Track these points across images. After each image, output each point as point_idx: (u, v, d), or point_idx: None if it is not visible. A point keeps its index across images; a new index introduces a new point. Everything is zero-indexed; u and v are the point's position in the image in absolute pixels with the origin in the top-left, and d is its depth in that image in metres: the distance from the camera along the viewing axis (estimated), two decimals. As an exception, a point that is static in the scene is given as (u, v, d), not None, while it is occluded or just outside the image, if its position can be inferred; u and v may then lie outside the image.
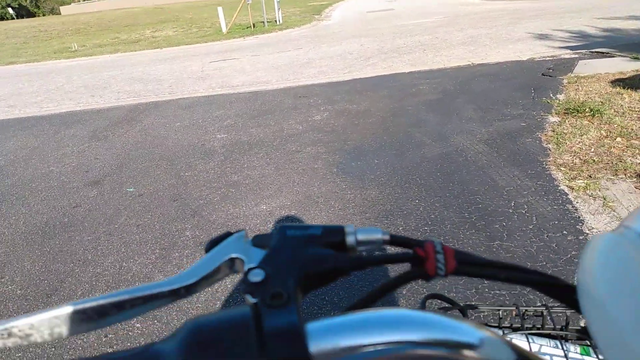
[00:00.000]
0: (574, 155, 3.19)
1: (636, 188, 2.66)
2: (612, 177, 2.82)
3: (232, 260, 0.36)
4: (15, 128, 5.86)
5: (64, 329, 0.32)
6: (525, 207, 2.64)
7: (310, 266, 0.34)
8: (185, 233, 2.81)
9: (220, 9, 14.01)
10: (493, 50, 7.44)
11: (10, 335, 0.31)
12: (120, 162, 4.17)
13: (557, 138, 3.49)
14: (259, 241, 0.38)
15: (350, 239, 0.38)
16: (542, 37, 8.15)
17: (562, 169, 3.01)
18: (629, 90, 4.44)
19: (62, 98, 7.39)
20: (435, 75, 6.29)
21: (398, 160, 3.58)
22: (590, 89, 4.70)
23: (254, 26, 14.13)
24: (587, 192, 2.69)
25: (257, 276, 0.32)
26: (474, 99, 4.95)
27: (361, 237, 0.39)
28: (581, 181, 2.81)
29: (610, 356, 0.27)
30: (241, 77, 7.51)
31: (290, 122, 4.94)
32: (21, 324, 0.31)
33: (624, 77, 5.03)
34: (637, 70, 5.19)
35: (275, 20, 14.90)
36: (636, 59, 5.80)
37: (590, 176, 2.86)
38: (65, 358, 1.96)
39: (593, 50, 6.74)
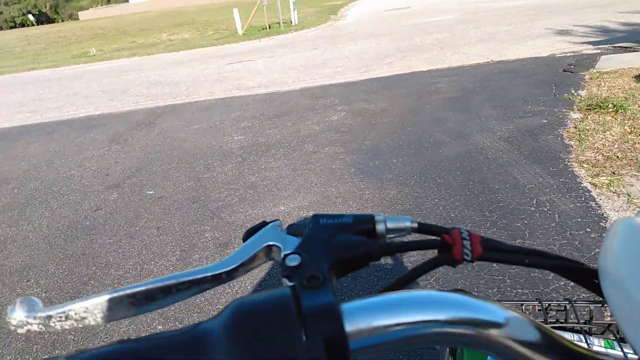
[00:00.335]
0: (597, 152, 3.12)
1: (663, 185, 2.59)
2: (637, 174, 2.75)
3: (269, 247, 0.39)
4: (37, 133, 5.98)
5: (116, 312, 0.35)
6: (548, 204, 2.59)
7: (343, 252, 0.36)
8: (204, 235, 2.83)
9: (236, 10, 14.10)
10: (512, 47, 7.33)
11: (67, 318, 0.34)
12: (140, 165, 4.22)
13: (580, 134, 3.42)
14: (293, 230, 0.41)
15: (380, 227, 0.40)
16: (563, 32, 8.00)
17: (585, 165, 2.95)
18: (653, 84, 4.33)
19: (81, 103, 7.52)
20: (454, 73, 6.22)
21: (417, 160, 3.55)
22: (613, 84, 4.59)
23: (269, 27, 14.19)
24: (611, 188, 2.63)
25: (293, 261, 0.33)
26: (494, 96, 4.88)
27: (390, 225, 0.41)
28: (604, 178, 2.75)
29: (632, 335, 0.27)
30: (257, 79, 7.54)
31: (307, 122, 4.94)
32: (77, 307, 0.34)
33: (647, 71, 4.90)
34: (661, 64, 5.06)
35: (291, 21, 14.94)
36: (660, 52, 5.65)
37: (613, 173, 2.80)
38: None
39: (615, 45, 6.59)
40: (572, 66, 5.65)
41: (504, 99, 4.68)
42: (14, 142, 5.71)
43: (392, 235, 0.41)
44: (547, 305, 0.73)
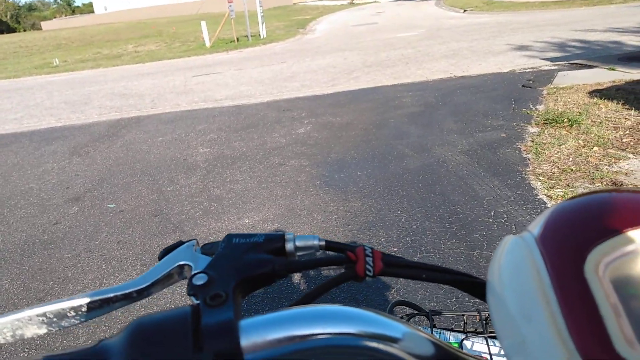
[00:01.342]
0: (553, 165, 3.24)
1: (613, 196, 2.70)
2: (589, 186, 2.87)
3: (182, 266, 0.40)
4: (-6, 145, 5.77)
5: (25, 331, 0.35)
6: (505, 216, 2.67)
7: (250, 270, 0.37)
8: (166, 248, 2.78)
9: (203, 23, 14.05)
10: (475, 63, 7.56)
11: None
12: (101, 178, 4.12)
13: (536, 148, 3.54)
14: (207, 249, 0.43)
15: (289, 246, 0.43)
16: (523, 49, 8.32)
17: (541, 178, 3.06)
18: (605, 100, 4.54)
19: (42, 114, 7.31)
20: (418, 88, 6.36)
21: (381, 172, 3.60)
22: (569, 99, 4.79)
23: (237, 40, 14.19)
24: (566, 200, 2.73)
25: (200, 280, 0.34)
26: (456, 110, 5.01)
27: (299, 243, 0.43)
28: (559, 190, 2.85)
29: (506, 345, 0.29)
30: (224, 91, 7.52)
31: (273, 135, 4.95)
32: None
33: (600, 87, 5.14)
34: (613, 81, 5.31)
35: (260, 34, 14.98)
36: (612, 69, 5.94)
37: (568, 185, 2.91)
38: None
39: (572, 62, 6.89)
40: (531, 82, 5.88)
41: (465, 114, 4.82)
42: (-32, 154, 5.50)
43: (301, 253, 0.44)
44: (486, 315, 0.75)
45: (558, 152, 3.44)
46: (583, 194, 0.36)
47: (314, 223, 2.94)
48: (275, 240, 0.42)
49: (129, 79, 9.89)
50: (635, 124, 3.79)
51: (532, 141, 3.72)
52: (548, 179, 3.04)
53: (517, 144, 3.74)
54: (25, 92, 10.00)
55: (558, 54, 7.53)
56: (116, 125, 6.02)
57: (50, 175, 4.36)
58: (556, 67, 6.56)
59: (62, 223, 3.33)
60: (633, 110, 4.12)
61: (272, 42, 14.03)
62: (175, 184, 3.77)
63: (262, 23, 14.92)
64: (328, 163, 3.95)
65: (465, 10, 17.80)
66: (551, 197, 2.79)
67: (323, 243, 0.44)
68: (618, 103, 4.39)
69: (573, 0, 16.24)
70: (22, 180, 4.32)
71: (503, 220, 2.63)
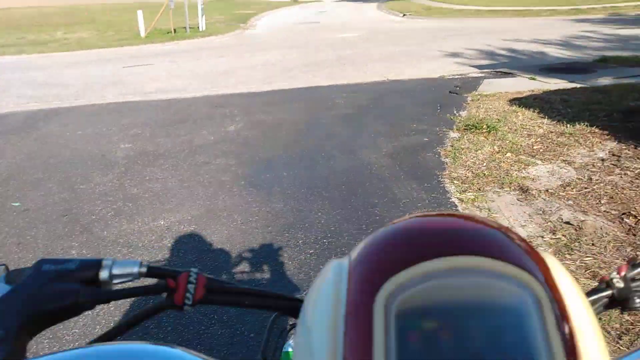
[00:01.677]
0: (468, 169, 3.36)
1: (518, 200, 2.85)
2: (499, 190, 3.01)
3: None
4: None
5: None
6: (419, 219, 2.73)
7: (47, 303, 0.35)
8: (71, 252, 2.62)
9: (140, 12, 13.49)
10: (408, 67, 7.75)
11: None
12: (9, 174, 3.84)
13: (455, 153, 3.67)
14: (12, 277, 0.40)
15: (103, 274, 0.40)
16: (454, 55, 8.63)
17: (456, 182, 3.17)
18: (523, 108, 4.79)
19: (-49, 101, 6.72)
20: (352, 89, 6.43)
21: (307, 173, 3.60)
22: (490, 106, 5.01)
23: (175, 32, 13.75)
24: (475, 203, 2.85)
25: None
26: (386, 113, 5.11)
27: (116, 270, 0.41)
28: (471, 194, 2.97)
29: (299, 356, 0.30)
30: (155, 84, 7.24)
31: (202, 132, 4.82)
32: None
33: (520, 96, 5.42)
34: (532, 90, 5.62)
35: (198, 27, 14.60)
36: (533, 79, 6.29)
37: (479, 189, 3.03)
38: None
39: (497, 70, 7.23)
40: (458, 88, 6.10)
41: (394, 117, 4.92)
42: None
43: (119, 281, 0.41)
44: None
45: (474, 157, 3.58)
46: (402, 219, 0.36)
47: (233, 225, 2.88)
48: (91, 266, 0.40)
49: (54, 68, 9.31)
50: (546, 132, 4.02)
51: (452, 146, 3.86)
52: (462, 182, 3.15)
53: (437, 148, 3.86)
54: None
55: (486, 62, 7.87)
56: (34, 116, 5.64)
57: (-49, 169, 4.01)
58: (482, 75, 6.86)
59: (-42, 222, 3.06)
60: (546, 119, 4.37)
61: (211, 35, 13.71)
62: (90, 182, 3.57)
63: (202, 15, 14.54)
64: (255, 162, 3.90)
65: (404, 15, 18.25)
66: (462, 201, 2.90)
67: (144, 270, 0.41)
68: (534, 111, 4.64)
69: (505, 10, 17.09)
70: None
71: (417, 223, 2.69)
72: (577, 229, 2.48)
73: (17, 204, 3.26)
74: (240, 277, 2.37)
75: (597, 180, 3.04)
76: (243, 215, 3.00)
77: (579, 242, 2.36)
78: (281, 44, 11.64)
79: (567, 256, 2.26)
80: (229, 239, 2.72)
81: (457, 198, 2.94)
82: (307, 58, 9.21)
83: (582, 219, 2.58)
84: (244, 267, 2.49)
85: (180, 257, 2.56)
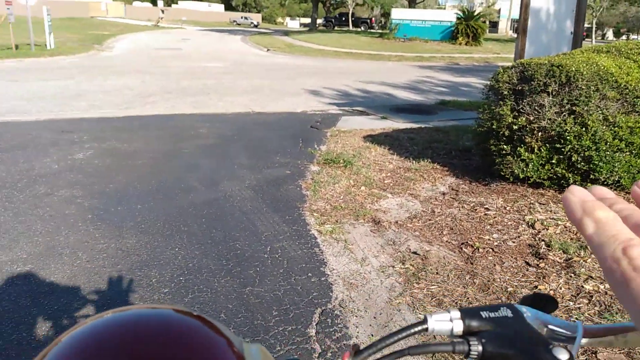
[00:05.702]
0: (327, 202, 3.52)
1: (371, 231, 3.05)
2: (354, 222, 3.18)
3: None
4: None
5: None
6: (279, 251, 2.76)
7: None
8: None
9: (-29, 22, 11.86)
10: (273, 101, 7.95)
11: None
12: None
13: (315, 186, 3.82)
14: None
15: None
16: (315, 92, 9.08)
17: (315, 214, 3.28)
18: (376, 145, 5.19)
19: None
20: (217, 120, 6.37)
21: (164, 206, 3.42)
22: (347, 142, 5.34)
23: (16, 48, 12.32)
24: (333, 235, 2.97)
25: None
26: (249, 145, 5.13)
27: None
28: (329, 226, 3.09)
29: None
30: (-12, 104, 6.37)
31: (45, 160, 4.34)
32: None
33: (373, 133, 5.88)
34: (383, 129, 6.13)
35: (46, 45, 13.28)
36: (384, 118, 6.88)
37: (337, 221, 3.18)
38: None
39: (354, 107, 7.78)
40: (319, 123, 6.41)
41: (257, 149, 4.96)
42: None
43: None
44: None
45: (332, 190, 3.76)
46: (96, 317, 0.35)
47: (77, 263, 2.60)
48: None
49: None
50: (395, 167, 4.40)
51: (312, 179, 4.00)
52: (321, 215, 3.28)
53: (299, 181, 3.98)
54: None
55: (344, 100, 8.43)
56: None
57: None
58: (341, 112, 7.32)
59: None
60: (395, 155, 4.79)
61: (61, 54, 12.59)
62: None
63: (50, 33, 13.27)
64: (106, 194, 3.60)
65: (268, 50, 18.81)
66: (321, 232, 3.00)
67: None
68: (385, 148, 5.06)
69: (360, 53, 18.60)
70: None
71: (277, 256, 2.71)
72: (423, 258, 2.72)
73: None
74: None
75: (439, 212, 3.40)
76: (89, 252, 2.73)
77: (425, 271, 2.59)
78: (141, 68, 11.12)
79: (416, 285, 2.45)
80: (71, 279, 2.44)
81: (317, 230, 3.03)
82: (169, 85, 8.92)
83: (427, 249, 2.84)
84: (88, 310, 2.24)
85: (11, 301, 2.23)
